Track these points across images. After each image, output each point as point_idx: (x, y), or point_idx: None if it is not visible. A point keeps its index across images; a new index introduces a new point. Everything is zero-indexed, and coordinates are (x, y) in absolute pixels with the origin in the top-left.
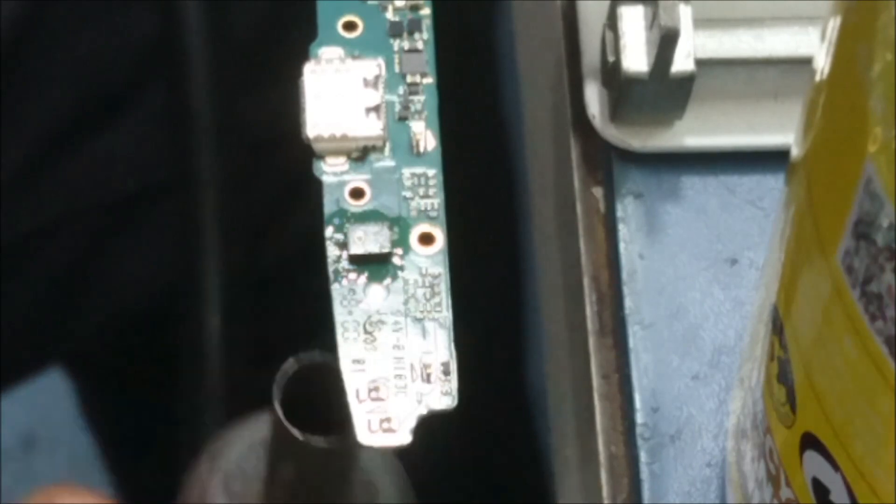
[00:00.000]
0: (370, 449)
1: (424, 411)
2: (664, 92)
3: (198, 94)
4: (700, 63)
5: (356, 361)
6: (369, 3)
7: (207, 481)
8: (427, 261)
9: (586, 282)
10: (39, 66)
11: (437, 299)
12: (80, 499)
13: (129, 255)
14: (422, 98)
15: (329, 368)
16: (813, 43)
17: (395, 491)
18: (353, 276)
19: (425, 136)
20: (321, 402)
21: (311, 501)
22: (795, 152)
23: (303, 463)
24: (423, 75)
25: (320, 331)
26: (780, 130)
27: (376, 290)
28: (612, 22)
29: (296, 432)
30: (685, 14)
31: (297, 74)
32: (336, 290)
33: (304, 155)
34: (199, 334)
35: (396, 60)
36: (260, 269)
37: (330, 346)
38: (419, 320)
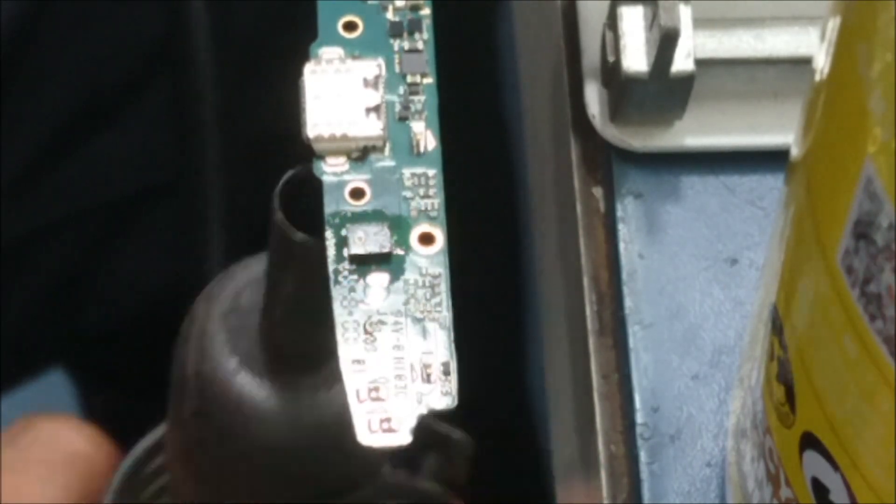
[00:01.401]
0: None
1: (425, 411)
2: (664, 92)
3: (200, 94)
4: (700, 63)
5: (356, 361)
6: (369, 3)
7: (205, 320)
8: (427, 261)
9: (586, 282)
10: (41, 65)
11: (437, 299)
12: (59, 423)
13: (130, 256)
14: (422, 98)
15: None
16: (813, 43)
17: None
18: (353, 276)
19: (425, 136)
20: (315, 213)
21: (310, 316)
22: (795, 152)
23: (302, 272)
24: (424, 75)
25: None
26: (780, 130)
27: (376, 290)
28: (612, 22)
29: (297, 234)
30: (685, 14)
31: (297, 74)
32: (336, 290)
33: (304, 155)
34: None
35: (396, 60)
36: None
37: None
38: (419, 320)
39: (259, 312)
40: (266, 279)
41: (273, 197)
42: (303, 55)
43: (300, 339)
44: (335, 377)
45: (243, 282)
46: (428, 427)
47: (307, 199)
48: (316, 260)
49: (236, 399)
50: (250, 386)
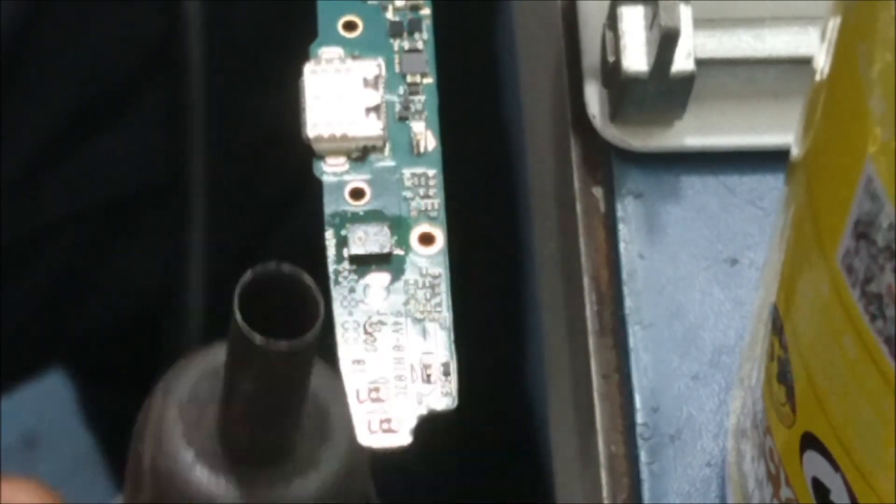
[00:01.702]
0: (320, 365)
1: (425, 412)
2: (664, 92)
3: (198, 94)
4: (700, 63)
5: (356, 362)
6: (369, 3)
7: (162, 411)
8: (427, 261)
9: (586, 282)
10: (41, 66)
11: (437, 300)
12: (35, 497)
13: (129, 256)
14: (422, 98)
15: (287, 277)
16: (813, 43)
17: (341, 411)
18: (353, 276)
19: (425, 137)
20: (280, 313)
21: (269, 416)
22: (795, 152)
23: (261, 372)
24: (424, 75)
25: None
26: (780, 130)
27: (376, 290)
28: (612, 22)
29: (257, 337)
30: (685, 14)
31: (297, 74)
32: (336, 290)
33: (304, 155)
34: (193, 335)
35: (396, 60)
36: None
37: (330, 346)
38: (419, 321)
39: (217, 405)
40: (224, 375)
41: (233, 297)
42: (303, 55)
43: (258, 436)
44: (294, 472)
45: (202, 371)
46: None
47: (269, 298)
48: (276, 362)
49: (192, 494)
50: (207, 481)
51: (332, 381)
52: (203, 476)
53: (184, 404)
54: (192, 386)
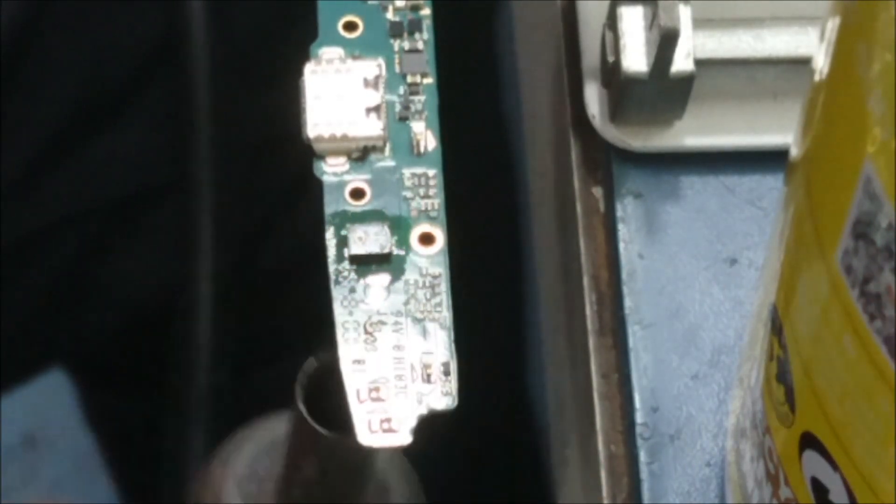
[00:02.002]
0: (384, 450)
1: (425, 411)
2: (664, 92)
3: (200, 94)
4: (700, 63)
5: (356, 362)
6: (369, 3)
7: (221, 484)
8: (427, 261)
9: (586, 282)
10: (41, 66)
11: (437, 299)
12: None
13: (130, 256)
14: (422, 98)
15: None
16: (813, 43)
17: (407, 491)
18: (353, 276)
19: (425, 137)
20: (334, 399)
21: (330, 499)
22: (795, 152)
23: (325, 460)
24: (424, 75)
25: (320, 331)
26: (780, 130)
27: (376, 290)
28: (612, 22)
29: (322, 430)
30: (685, 14)
31: (297, 74)
32: (336, 290)
33: (304, 155)
34: (197, 335)
35: (397, 60)
36: (260, 269)
37: (330, 345)
38: (419, 321)
39: (276, 481)
40: (286, 460)
41: (295, 387)
42: (303, 55)
43: None
44: None
45: (259, 446)
46: None
47: (329, 385)
48: (340, 450)
49: None
50: None
51: (393, 457)
52: None
53: (242, 479)
54: (250, 460)
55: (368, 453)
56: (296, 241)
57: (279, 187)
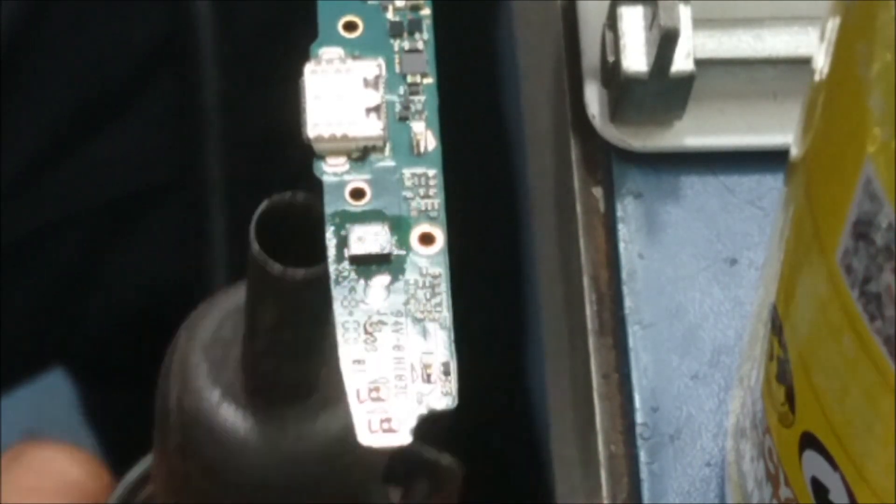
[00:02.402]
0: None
1: (425, 411)
2: (664, 92)
3: (204, 93)
4: (700, 63)
5: (356, 362)
6: (369, 3)
7: (186, 352)
8: (427, 261)
9: (586, 282)
10: (43, 65)
11: (437, 299)
12: (52, 450)
13: (131, 255)
14: (422, 98)
15: (302, 206)
16: (813, 43)
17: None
18: (353, 276)
19: (425, 137)
20: (296, 242)
21: (292, 348)
22: (795, 152)
23: (281, 302)
24: (424, 75)
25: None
26: (780, 130)
27: (376, 290)
28: (612, 22)
29: (275, 266)
30: (685, 14)
31: (297, 74)
32: (336, 290)
33: (305, 155)
34: None
35: (397, 60)
36: None
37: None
38: (419, 321)
39: (239, 343)
40: (246, 309)
41: (249, 228)
42: (303, 55)
43: (283, 370)
44: (320, 407)
45: (225, 311)
46: (417, 453)
47: (287, 227)
48: (295, 291)
49: (219, 432)
50: (233, 419)
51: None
52: (229, 413)
53: (208, 344)
54: (215, 326)
55: (322, 296)
56: None
57: (279, 187)
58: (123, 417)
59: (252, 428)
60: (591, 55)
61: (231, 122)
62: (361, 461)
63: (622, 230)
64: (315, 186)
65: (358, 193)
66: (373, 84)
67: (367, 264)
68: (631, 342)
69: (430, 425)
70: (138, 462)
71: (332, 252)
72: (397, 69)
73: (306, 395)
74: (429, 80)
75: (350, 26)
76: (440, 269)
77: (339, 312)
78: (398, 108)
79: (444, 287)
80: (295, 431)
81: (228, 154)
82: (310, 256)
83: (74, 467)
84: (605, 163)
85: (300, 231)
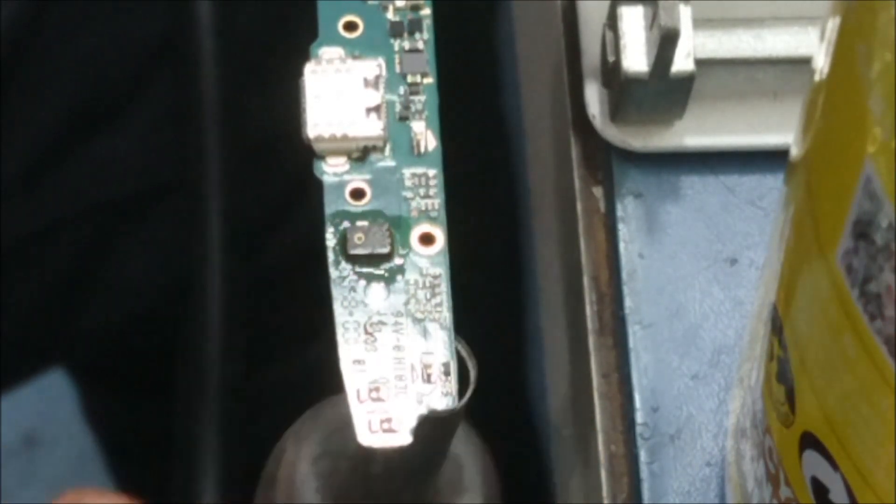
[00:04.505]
0: (462, 427)
1: (425, 411)
2: (664, 92)
3: (204, 93)
4: (700, 63)
5: (357, 362)
6: (370, 3)
7: (296, 463)
8: (427, 261)
9: (586, 281)
10: (42, 65)
11: (437, 300)
12: (107, 499)
13: (131, 255)
14: (422, 98)
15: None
16: (813, 43)
17: (480, 467)
18: (353, 276)
19: (426, 137)
20: None
21: (409, 475)
22: (795, 152)
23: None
24: (424, 75)
25: (323, 330)
26: (780, 130)
27: (377, 290)
28: (612, 22)
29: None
30: (685, 14)
31: (297, 74)
32: (337, 290)
33: (305, 155)
34: (201, 334)
35: (397, 60)
36: (263, 268)
37: (332, 344)
38: (420, 321)
39: (351, 458)
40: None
41: None
42: (303, 55)
43: (395, 493)
44: None
45: (333, 423)
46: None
47: None
48: (427, 427)
49: None
50: None
51: (469, 435)
52: None
53: (317, 457)
54: (324, 437)
55: (449, 430)
56: (296, 242)
57: (279, 187)
58: (123, 417)
59: None
60: (591, 55)
61: (231, 123)
62: None
63: (622, 230)
64: (313, 186)
65: (358, 193)
66: (373, 84)
67: (368, 264)
68: (631, 342)
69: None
70: None
71: (332, 252)
72: (397, 69)
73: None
74: (429, 80)
75: (350, 26)
76: (440, 269)
77: (339, 312)
78: (398, 108)
79: (444, 287)
80: None
81: (228, 154)
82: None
83: None
84: (606, 163)
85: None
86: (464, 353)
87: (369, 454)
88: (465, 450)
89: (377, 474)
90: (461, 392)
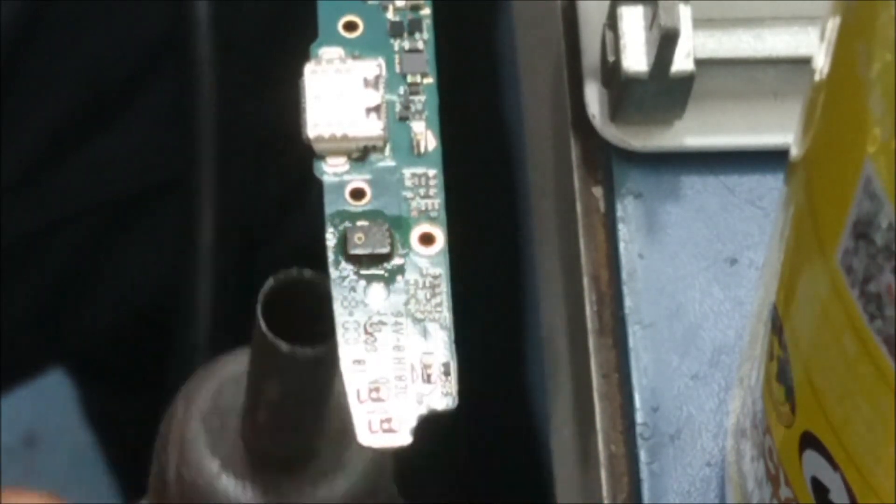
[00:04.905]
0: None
1: (425, 411)
2: (664, 92)
3: (204, 93)
4: (700, 63)
5: (357, 362)
6: (370, 3)
7: (185, 421)
8: (427, 261)
9: (586, 282)
10: (42, 65)
11: (437, 300)
12: (25, 499)
13: (131, 255)
14: (422, 98)
15: (309, 283)
16: (813, 43)
17: None
18: (353, 276)
19: (426, 137)
20: (301, 319)
21: (294, 421)
22: (795, 152)
23: (287, 379)
24: (424, 75)
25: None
26: (780, 130)
27: (377, 290)
28: (612, 22)
29: (283, 345)
30: (685, 14)
31: (297, 74)
32: (337, 290)
33: (305, 155)
34: (197, 334)
35: (397, 60)
36: (262, 268)
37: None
38: (420, 321)
39: (240, 413)
40: (248, 383)
41: (256, 305)
42: (303, 55)
43: (283, 442)
44: (319, 476)
45: (223, 379)
46: None
47: (291, 305)
48: (303, 368)
49: (219, 503)
50: (233, 490)
51: None
52: (229, 485)
53: (206, 413)
54: (213, 394)
55: (328, 372)
56: (296, 242)
57: (279, 188)
58: (123, 417)
59: (252, 499)
60: (591, 55)
61: (230, 123)
62: None
63: (622, 230)
64: (313, 187)
65: (358, 193)
66: (373, 84)
67: (368, 264)
68: (631, 342)
69: (430, 425)
70: None
71: (332, 252)
72: (397, 69)
73: (306, 464)
74: (429, 80)
75: (350, 26)
76: (440, 269)
77: (339, 312)
78: (398, 108)
79: (444, 287)
80: (294, 501)
81: (228, 154)
82: (315, 333)
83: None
84: (605, 163)
85: (307, 307)
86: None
87: (255, 397)
88: None
89: (262, 426)
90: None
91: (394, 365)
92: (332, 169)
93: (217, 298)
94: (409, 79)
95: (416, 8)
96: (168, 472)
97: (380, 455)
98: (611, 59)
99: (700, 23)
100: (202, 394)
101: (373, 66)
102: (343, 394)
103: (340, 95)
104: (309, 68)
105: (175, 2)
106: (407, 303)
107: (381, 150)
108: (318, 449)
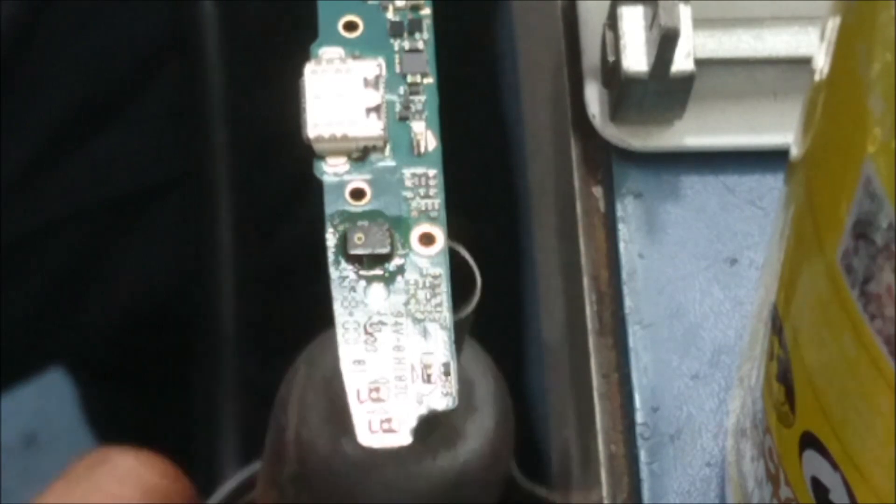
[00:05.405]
0: (470, 346)
1: (425, 411)
2: (664, 92)
3: (206, 92)
4: (700, 63)
5: (357, 362)
6: (370, 3)
7: (306, 386)
8: (427, 261)
9: (586, 281)
10: (43, 63)
11: (437, 300)
12: (135, 457)
13: (133, 254)
14: (422, 98)
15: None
16: (813, 43)
17: (489, 386)
18: (353, 276)
19: (426, 137)
20: None
21: None
22: (795, 152)
23: None
24: (424, 75)
25: (328, 327)
26: (780, 130)
27: (377, 290)
28: (612, 22)
29: None
30: (685, 14)
31: (297, 74)
32: (337, 290)
33: (306, 155)
34: (212, 330)
35: (397, 60)
36: (269, 265)
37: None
38: (420, 321)
39: None
40: None
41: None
42: (303, 55)
43: None
44: (440, 444)
45: None
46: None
47: None
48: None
49: (338, 468)
50: (353, 454)
51: (477, 355)
52: (349, 449)
53: (328, 379)
54: (335, 361)
55: (456, 340)
56: (296, 241)
57: (279, 187)
58: (123, 417)
59: (371, 464)
60: (591, 55)
61: (233, 121)
62: (479, 499)
63: (622, 230)
64: (313, 186)
65: (358, 193)
66: (373, 84)
67: (368, 264)
68: (631, 342)
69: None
70: (235, 475)
71: (332, 252)
72: (397, 69)
73: (427, 432)
74: (429, 80)
75: (350, 26)
76: (440, 269)
77: (339, 312)
78: (398, 108)
79: (444, 287)
80: (414, 468)
81: (230, 153)
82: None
83: (157, 474)
84: (605, 163)
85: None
86: (468, 259)
87: None
88: (474, 368)
89: None
90: (467, 299)
91: (394, 365)
92: (332, 169)
93: (239, 290)
94: (409, 79)
95: (416, 8)
96: (287, 433)
97: (501, 428)
98: (611, 59)
99: (700, 23)
100: (324, 359)
101: (373, 66)
102: (469, 363)
103: (340, 95)
104: (309, 68)
105: (178, 1)
106: (407, 303)
107: (381, 150)
108: (440, 418)
